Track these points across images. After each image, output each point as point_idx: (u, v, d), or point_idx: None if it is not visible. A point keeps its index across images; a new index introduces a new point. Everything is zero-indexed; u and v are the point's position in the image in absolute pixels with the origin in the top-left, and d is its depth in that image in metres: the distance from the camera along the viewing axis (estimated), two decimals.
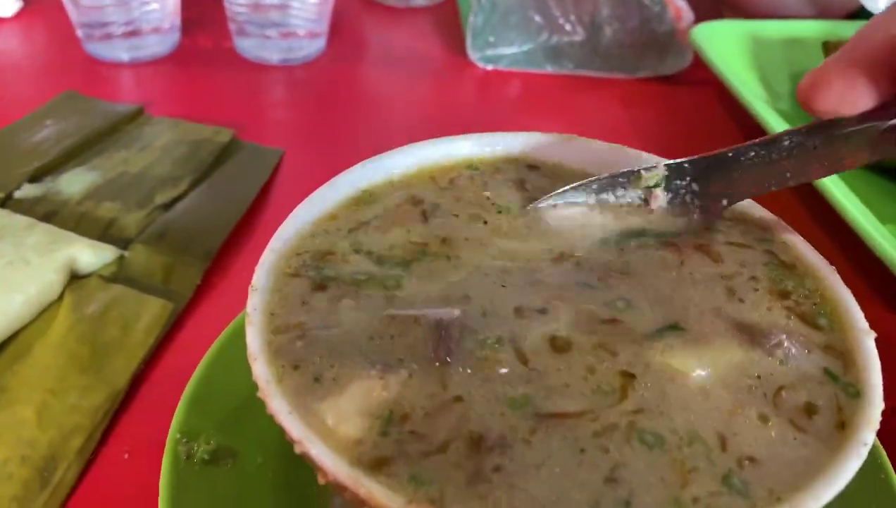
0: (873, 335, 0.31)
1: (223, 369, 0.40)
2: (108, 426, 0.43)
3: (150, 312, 0.49)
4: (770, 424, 0.27)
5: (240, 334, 0.41)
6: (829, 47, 0.74)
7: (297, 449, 0.26)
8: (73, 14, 0.79)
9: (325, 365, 0.28)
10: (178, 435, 0.36)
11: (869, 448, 0.27)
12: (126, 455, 0.42)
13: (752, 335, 0.31)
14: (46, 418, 0.42)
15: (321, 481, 0.26)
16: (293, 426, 0.26)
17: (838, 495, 0.25)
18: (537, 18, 0.82)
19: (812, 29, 0.84)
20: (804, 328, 0.32)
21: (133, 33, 0.80)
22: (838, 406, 0.28)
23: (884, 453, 0.38)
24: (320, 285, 0.32)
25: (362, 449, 0.26)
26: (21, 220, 0.53)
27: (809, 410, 0.28)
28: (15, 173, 0.59)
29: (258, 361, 0.28)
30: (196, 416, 0.37)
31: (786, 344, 0.30)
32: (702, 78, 0.85)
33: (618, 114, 0.81)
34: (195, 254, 0.54)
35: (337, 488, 0.25)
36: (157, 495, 0.39)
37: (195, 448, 0.36)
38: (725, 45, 0.79)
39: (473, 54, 0.84)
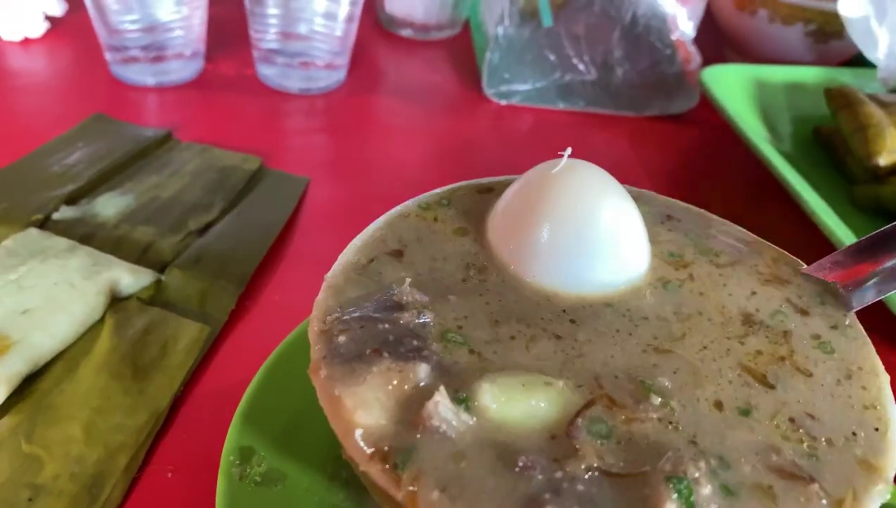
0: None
1: (272, 390, 0.42)
2: (151, 445, 0.45)
3: (188, 335, 0.51)
4: None
5: (283, 359, 0.43)
6: (831, 94, 0.78)
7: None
8: (101, 35, 0.81)
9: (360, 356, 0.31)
10: (232, 457, 0.38)
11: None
12: (169, 475, 0.44)
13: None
14: (93, 435, 0.44)
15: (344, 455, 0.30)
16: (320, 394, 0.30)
17: None
18: (552, 57, 0.85)
19: (813, 75, 0.88)
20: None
21: (158, 59, 0.82)
22: None
23: None
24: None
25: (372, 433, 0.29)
26: (62, 242, 0.54)
27: None
28: (51, 196, 0.61)
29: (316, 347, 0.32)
30: (246, 438, 0.39)
31: None
32: (708, 118, 0.89)
33: (626, 150, 0.84)
34: (229, 279, 0.56)
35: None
36: None
37: (247, 471, 0.38)
38: (732, 88, 0.82)
39: (489, 90, 0.87)
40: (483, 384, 0.31)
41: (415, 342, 0.33)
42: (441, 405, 0.29)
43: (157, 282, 0.55)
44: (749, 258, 0.41)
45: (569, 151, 0.39)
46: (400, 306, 0.34)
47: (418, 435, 0.29)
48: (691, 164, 0.84)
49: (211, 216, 0.62)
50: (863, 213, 0.73)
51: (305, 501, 0.39)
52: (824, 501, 0.28)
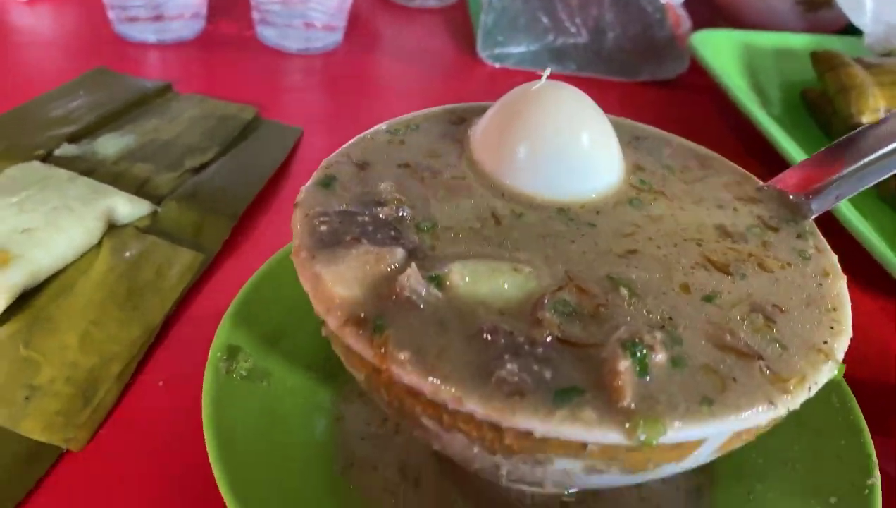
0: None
1: (261, 298, 0.43)
2: (143, 358, 0.47)
3: (182, 261, 0.53)
4: None
5: (276, 269, 0.45)
6: (817, 57, 0.80)
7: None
8: None
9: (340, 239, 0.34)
10: (219, 353, 0.40)
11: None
12: (160, 383, 0.46)
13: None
14: (88, 345, 0.46)
15: (322, 332, 0.32)
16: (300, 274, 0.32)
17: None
18: (544, 20, 0.87)
19: (802, 42, 0.89)
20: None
21: (159, 18, 0.84)
22: None
23: (849, 391, 0.42)
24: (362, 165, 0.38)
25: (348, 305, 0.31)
26: (63, 173, 0.56)
27: None
28: (53, 135, 0.63)
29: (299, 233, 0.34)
30: (235, 336, 0.41)
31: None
32: (698, 83, 0.90)
33: (617, 114, 0.85)
34: (223, 213, 0.58)
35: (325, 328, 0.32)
36: (189, 417, 0.43)
37: (234, 366, 0.40)
38: (721, 52, 0.84)
39: (483, 53, 0.89)
40: (454, 264, 0.32)
41: (392, 233, 0.35)
42: (412, 278, 0.31)
43: (154, 213, 0.56)
44: (715, 176, 0.43)
45: (548, 71, 0.41)
46: (379, 203, 0.36)
47: (391, 305, 0.31)
48: (681, 128, 0.84)
49: (207, 158, 0.64)
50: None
51: (290, 399, 0.41)
52: (767, 373, 0.30)
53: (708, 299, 0.33)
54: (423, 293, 0.31)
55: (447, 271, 0.32)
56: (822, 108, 0.80)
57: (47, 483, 0.40)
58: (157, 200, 0.58)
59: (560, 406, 0.27)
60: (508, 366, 0.28)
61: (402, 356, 0.29)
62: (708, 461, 0.32)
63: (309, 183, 0.38)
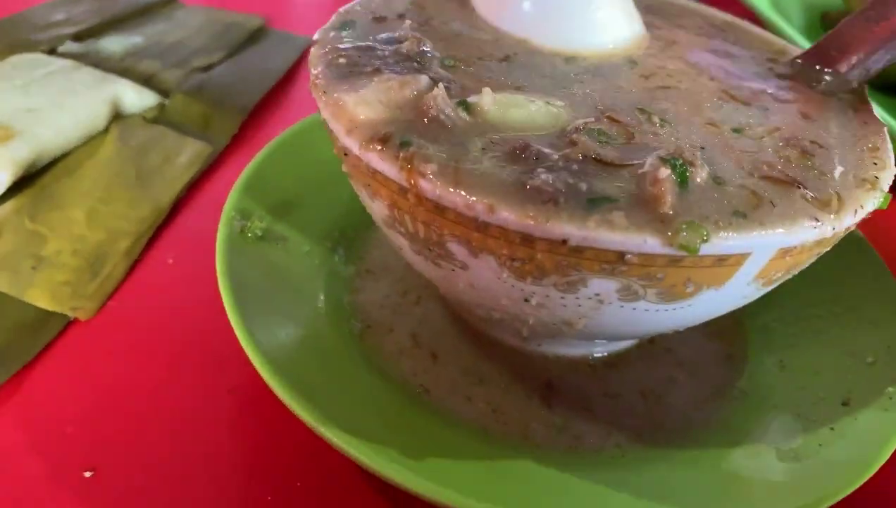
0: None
1: (273, 169, 0.42)
2: (152, 237, 0.45)
3: (190, 150, 0.51)
4: None
5: (291, 140, 0.44)
6: None
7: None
8: None
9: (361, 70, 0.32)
10: (233, 213, 0.38)
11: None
12: (170, 260, 0.45)
13: None
14: (95, 221, 0.44)
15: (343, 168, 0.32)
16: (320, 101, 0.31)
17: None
18: None
19: None
20: None
21: None
22: None
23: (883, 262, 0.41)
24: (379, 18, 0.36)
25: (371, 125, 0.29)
26: (68, 62, 0.55)
27: None
28: (57, 34, 0.61)
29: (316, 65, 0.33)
30: (249, 200, 0.39)
31: None
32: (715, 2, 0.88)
33: None
34: (232, 108, 0.56)
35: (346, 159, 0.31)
36: (200, 290, 0.41)
37: (248, 225, 0.38)
38: None
39: None
40: (484, 90, 0.31)
41: (415, 64, 0.33)
42: (439, 98, 0.29)
43: (161, 105, 0.55)
44: (749, 48, 0.41)
45: None
46: (399, 41, 0.35)
47: (417, 125, 0.29)
48: None
49: (214, 59, 0.62)
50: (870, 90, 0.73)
51: (306, 262, 0.39)
52: (809, 198, 0.28)
53: (738, 130, 0.32)
54: (451, 114, 0.29)
55: (477, 98, 0.30)
56: None
57: (55, 349, 0.39)
58: (164, 93, 0.56)
59: (595, 211, 0.26)
60: (542, 176, 0.27)
61: (430, 168, 0.27)
62: (747, 295, 0.31)
63: (326, 25, 0.36)
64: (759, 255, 0.28)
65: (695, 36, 0.41)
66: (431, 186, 0.27)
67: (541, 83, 0.33)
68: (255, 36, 0.68)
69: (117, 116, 0.52)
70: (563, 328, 0.32)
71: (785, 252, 0.28)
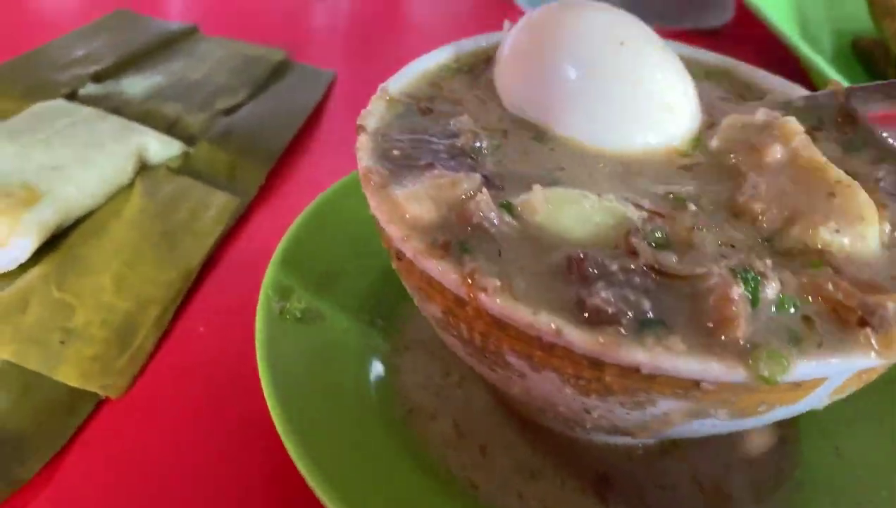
0: None
1: (310, 238, 0.41)
2: (182, 303, 0.44)
3: (217, 204, 0.50)
4: None
5: (325, 208, 0.42)
6: (875, 2, 0.75)
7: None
8: None
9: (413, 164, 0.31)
10: (271, 292, 0.37)
11: None
12: (201, 329, 0.43)
13: None
14: (124, 287, 0.43)
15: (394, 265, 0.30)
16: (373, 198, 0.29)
17: None
18: None
19: None
20: None
21: None
22: None
23: None
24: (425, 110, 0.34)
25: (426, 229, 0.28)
26: (90, 110, 0.53)
27: None
28: (77, 74, 0.60)
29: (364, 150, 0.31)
30: (286, 276, 0.38)
31: None
32: (743, 34, 0.86)
33: None
34: (258, 156, 0.55)
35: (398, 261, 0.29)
36: (233, 364, 0.40)
37: (287, 306, 0.37)
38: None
39: None
40: (535, 187, 0.29)
41: (469, 161, 0.32)
42: (483, 204, 0.28)
43: (186, 154, 0.53)
44: None
45: None
46: (454, 134, 0.33)
47: (469, 231, 0.28)
48: None
49: (238, 99, 0.61)
50: None
51: (344, 341, 0.38)
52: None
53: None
54: (496, 221, 0.28)
55: (528, 197, 0.29)
56: (877, 57, 0.76)
57: (86, 433, 0.37)
58: (188, 140, 0.55)
59: (665, 336, 0.25)
60: (603, 294, 0.25)
61: (491, 284, 0.26)
62: (820, 405, 0.29)
63: (369, 109, 0.34)
64: (836, 378, 0.26)
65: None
66: (493, 303, 0.26)
67: (588, 177, 0.32)
68: (278, 70, 0.67)
69: (142, 168, 0.51)
70: (624, 433, 0.30)
71: (862, 373, 0.27)
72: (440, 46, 0.40)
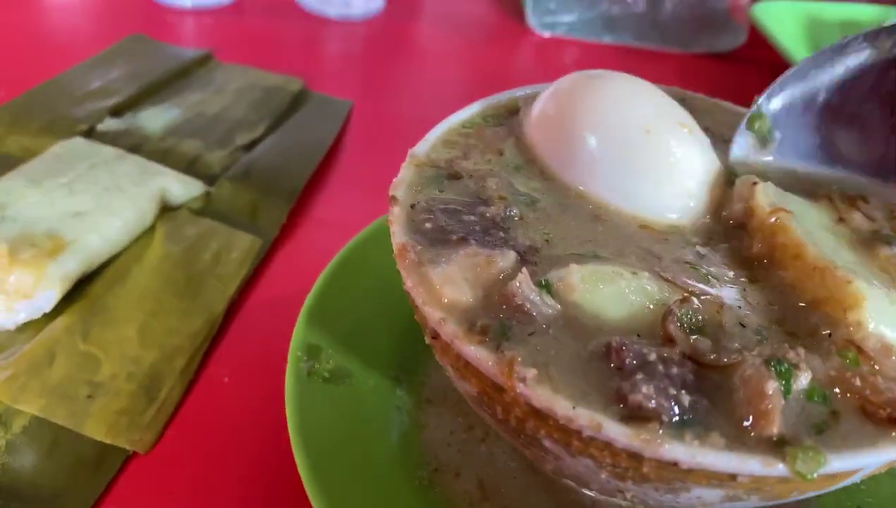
0: None
1: (336, 293, 0.41)
2: (206, 351, 0.44)
3: (240, 246, 0.50)
4: None
5: (348, 260, 0.42)
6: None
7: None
8: None
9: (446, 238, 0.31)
10: (299, 353, 0.37)
11: None
12: (226, 380, 0.43)
13: None
14: (148, 338, 0.43)
15: (428, 341, 0.30)
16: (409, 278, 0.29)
17: None
18: None
19: (868, 13, 0.85)
20: None
21: None
22: None
23: None
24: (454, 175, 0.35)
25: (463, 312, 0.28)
26: (110, 150, 0.53)
27: None
28: (95, 108, 0.60)
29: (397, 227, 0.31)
30: (313, 336, 0.38)
31: None
32: (755, 56, 0.86)
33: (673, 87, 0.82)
34: (279, 193, 0.55)
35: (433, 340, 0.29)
36: (260, 416, 0.41)
37: (315, 367, 0.37)
38: (783, 24, 0.80)
39: (532, 20, 0.85)
40: (571, 267, 0.29)
41: (501, 234, 0.32)
42: (524, 285, 0.28)
43: (207, 194, 0.54)
44: None
45: None
46: (485, 202, 0.33)
47: (507, 316, 0.28)
48: (738, 103, 0.82)
49: (257, 134, 0.61)
50: None
51: (371, 400, 0.38)
52: None
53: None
54: (538, 302, 0.28)
55: (564, 273, 0.29)
56: None
57: (115, 488, 0.38)
58: (209, 179, 0.55)
59: (705, 434, 0.25)
60: (644, 390, 0.25)
61: (530, 374, 0.26)
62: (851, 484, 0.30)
63: (401, 178, 0.35)
64: (868, 468, 0.27)
65: None
66: (532, 394, 0.26)
67: (623, 249, 0.32)
68: (296, 100, 0.67)
69: (164, 210, 0.51)
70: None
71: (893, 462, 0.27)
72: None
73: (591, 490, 0.31)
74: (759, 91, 0.89)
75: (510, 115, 0.41)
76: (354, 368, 0.39)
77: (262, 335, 0.46)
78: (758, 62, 0.86)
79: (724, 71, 0.86)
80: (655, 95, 0.36)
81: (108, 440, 0.39)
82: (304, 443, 0.33)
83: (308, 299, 0.40)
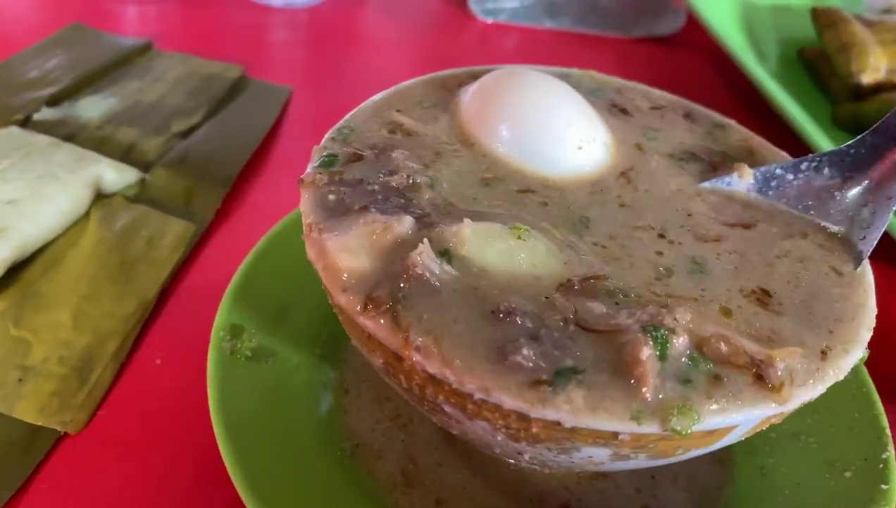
0: None
1: (261, 274, 0.42)
2: (139, 334, 0.45)
3: (174, 231, 0.51)
4: None
5: (274, 242, 0.43)
6: (817, 13, 0.78)
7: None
8: None
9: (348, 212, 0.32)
10: (222, 333, 0.38)
11: None
12: (158, 362, 0.44)
13: None
14: (81, 322, 0.44)
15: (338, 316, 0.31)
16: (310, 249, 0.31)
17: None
18: None
19: None
20: None
21: None
22: None
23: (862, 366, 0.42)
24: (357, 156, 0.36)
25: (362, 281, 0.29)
26: (44, 139, 0.54)
27: None
28: (31, 97, 0.60)
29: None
30: (237, 314, 0.39)
31: None
32: (694, 40, 0.88)
33: (613, 72, 0.83)
34: (214, 180, 0.55)
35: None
36: (189, 396, 0.42)
37: (238, 345, 0.38)
38: (719, 8, 0.82)
39: (475, 6, 0.86)
40: (465, 221, 0.31)
41: (402, 200, 0.33)
42: (425, 255, 0.29)
43: (142, 181, 0.54)
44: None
45: None
46: (391, 172, 0.35)
47: (403, 285, 0.29)
48: (678, 86, 0.84)
49: (194, 120, 0.61)
50: (843, 131, 0.74)
51: (294, 377, 0.40)
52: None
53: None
54: (437, 272, 0.29)
55: (456, 228, 0.31)
56: (820, 67, 0.79)
57: (46, 468, 0.39)
58: (144, 166, 0.56)
59: (587, 394, 0.26)
60: (525, 351, 0.27)
61: (423, 342, 0.27)
62: (735, 442, 0.31)
63: (311, 160, 0.36)
64: (745, 425, 0.28)
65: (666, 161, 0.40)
66: (427, 361, 0.27)
67: (516, 206, 0.34)
68: (235, 87, 0.67)
69: (98, 197, 0.52)
70: (558, 467, 0.32)
71: (770, 418, 0.29)
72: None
73: (495, 452, 0.33)
74: (698, 73, 0.91)
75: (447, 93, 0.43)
76: (278, 347, 0.40)
77: (193, 317, 0.47)
78: (697, 45, 0.88)
79: (663, 54, 0.88)
80: (556, 84, 0.38)
81: (39, 422, 0.39)
82: (222, 415, 0.34)
83: (233, 281, 0.41)
